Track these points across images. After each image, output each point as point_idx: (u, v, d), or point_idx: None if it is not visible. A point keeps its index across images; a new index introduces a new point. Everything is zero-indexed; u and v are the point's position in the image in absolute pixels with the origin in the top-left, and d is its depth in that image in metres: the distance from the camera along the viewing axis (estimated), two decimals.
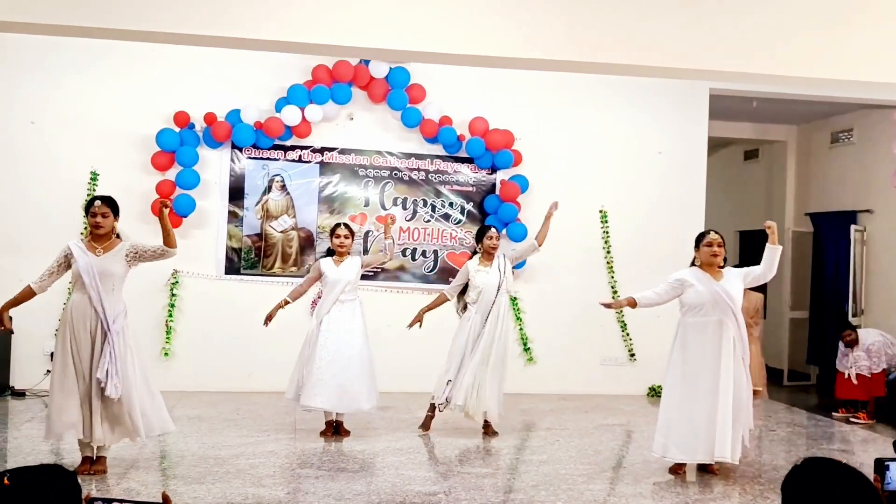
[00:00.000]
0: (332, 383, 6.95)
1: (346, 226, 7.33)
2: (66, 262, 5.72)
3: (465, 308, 7.45)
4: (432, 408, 7.44)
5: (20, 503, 1.84)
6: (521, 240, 9.45)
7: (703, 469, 6.17)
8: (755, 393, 9.78)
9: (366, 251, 9.35)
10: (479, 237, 7.56)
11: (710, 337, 6.00)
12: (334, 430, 7.16)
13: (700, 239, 6.23)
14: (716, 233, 6.21)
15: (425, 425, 7.45)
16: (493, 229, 7.55)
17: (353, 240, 7.31)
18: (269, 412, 8.02)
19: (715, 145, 12.08)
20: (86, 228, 8.37)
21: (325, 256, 7.36)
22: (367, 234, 9.44)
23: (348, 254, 7.23)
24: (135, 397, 5.63)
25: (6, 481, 1.85)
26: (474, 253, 7.62)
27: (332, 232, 7.30)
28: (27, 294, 5.78)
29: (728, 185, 13.32)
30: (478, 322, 7.30)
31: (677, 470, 6.16)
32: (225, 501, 5.20)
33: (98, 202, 5.77)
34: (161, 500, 2.29)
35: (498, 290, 7.33)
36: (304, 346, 7.16)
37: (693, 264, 6.25)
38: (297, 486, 5.71)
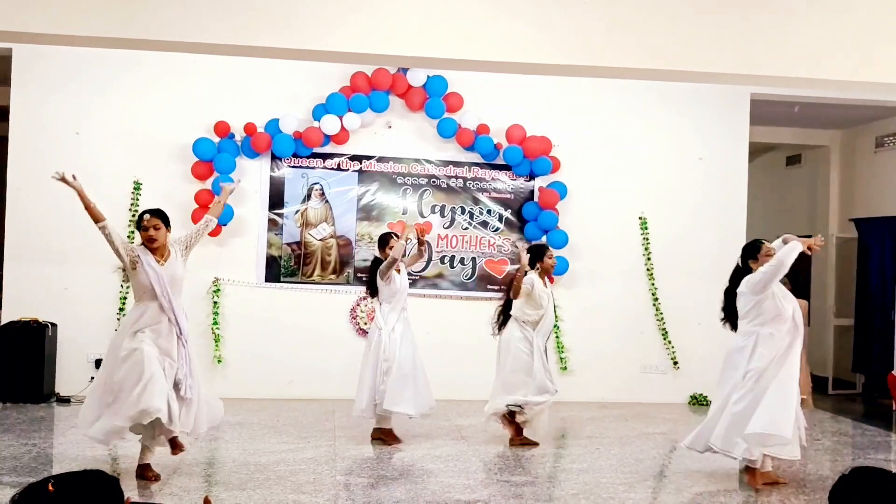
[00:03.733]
0: (398, 388, 7.01)
1: (397, 236, 7.34)
2: (132, 260, 5.72)
3: (501, 325, 7.24)
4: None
5: None
6: (562, 247, 9.39)
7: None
8: (802, 401, 9.64)
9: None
10: (540, 255, 7.22)
11: (785, 346, 5.95)
12: (385, 436, 7.20)
13: (756, 250, 6.09)
14: (768, 243, 6.14)
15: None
16: (551, 249, 7.51)
17: None
18: (309, 419, 8.06)
19: (756, 151, 11.93)
20: (131, 234, 8.51)
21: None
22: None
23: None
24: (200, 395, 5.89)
25: (50, 487, 1.88)
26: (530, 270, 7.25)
27: (386, 244, 7.27)
28: (97, 214, 5.72)
29: (770, 191, 13.14)
30: (539, 345, 7.12)
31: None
32: None
33: (147, 215, 5.84)
34: None
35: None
36: (371, 355, 7.15)
37: (740, 276, 6.13)
38: (336, 492, 5.73)
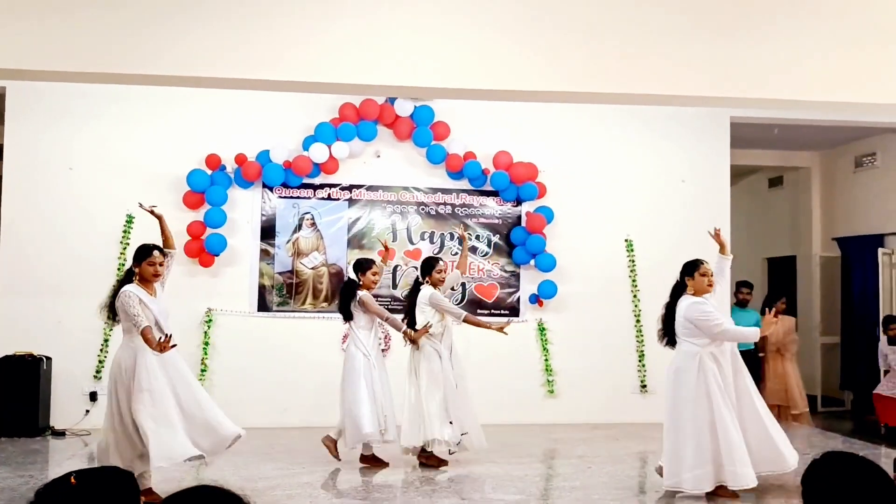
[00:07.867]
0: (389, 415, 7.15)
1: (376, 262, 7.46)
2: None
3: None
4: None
5: (85, 501, 1.97)
6: (550, 270, 9.55)
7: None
8: (799, 416, 9.73)
9: (394, 286, 9.50)
10: (429, 269, 7.34)
11: (719, 363, 6.08)
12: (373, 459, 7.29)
13: (694, 268, 6.19)
14: (707, 263, 6.26)
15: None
16: (441, 262, 7.43)
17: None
18: (304, 446, 8.09)
19: (739, 173, 12.14)
20: (121, 267, 8.60)
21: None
22: (395, 268, 9.56)
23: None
24: None
25: (73, 480, 1.98)
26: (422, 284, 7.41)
27: (369, 269, 7.32)
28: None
29: (753, 213, 13.36)
30: (446, 356, 7.24)
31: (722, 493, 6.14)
32: None
33: (157, 252, 6.05)
34: None
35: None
36: (365, 383, 7.17)
37: (680, 292, 6.23)
38: None
